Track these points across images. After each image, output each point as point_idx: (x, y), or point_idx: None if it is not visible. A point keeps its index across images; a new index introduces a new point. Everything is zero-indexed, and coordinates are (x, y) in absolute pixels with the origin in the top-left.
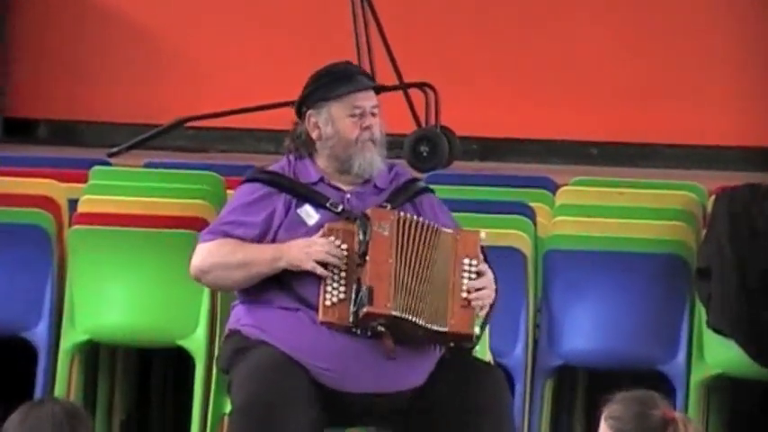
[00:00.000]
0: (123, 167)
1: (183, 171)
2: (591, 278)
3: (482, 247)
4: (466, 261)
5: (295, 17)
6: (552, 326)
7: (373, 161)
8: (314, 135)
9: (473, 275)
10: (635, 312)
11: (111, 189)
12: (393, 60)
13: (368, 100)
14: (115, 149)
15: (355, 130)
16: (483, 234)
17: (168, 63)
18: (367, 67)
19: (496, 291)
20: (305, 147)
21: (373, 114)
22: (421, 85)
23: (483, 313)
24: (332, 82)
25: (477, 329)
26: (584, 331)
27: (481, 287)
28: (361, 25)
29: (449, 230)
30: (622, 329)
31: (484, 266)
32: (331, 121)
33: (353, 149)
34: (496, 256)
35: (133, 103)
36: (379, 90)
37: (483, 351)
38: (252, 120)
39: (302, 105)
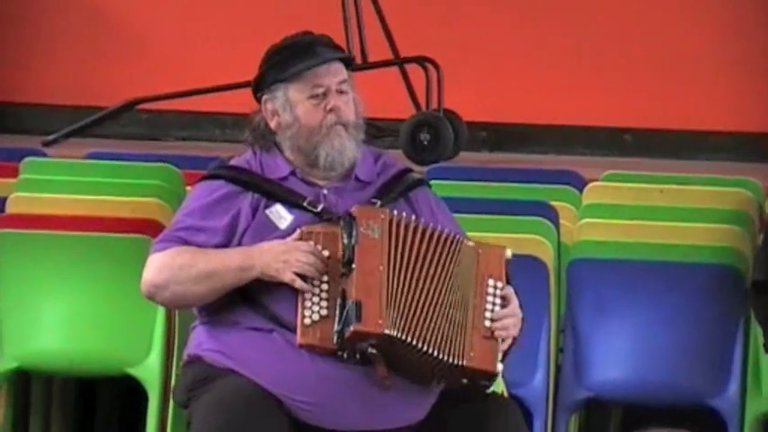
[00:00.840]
0: (61, 159)
1: (134, 163)
2: (625, 293)
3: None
4: (491, 282)
5: None
6: (578, 350)
7: (344, 149)
8: (272, 124)
9: (497, 300)
10: (678, 335)
11: (47, 185)
12: (387, 31)
13: (331, 75)
14: (51, 137)
15: (318, 113)
16: (509, 252)
17: (116, 34)
18: (356, 41)
19: (522, 320)
20: (264, 139)
21: (341, 92)
22: (420, 61)
23: (504, 346)
24: (288, 58)
25: (499, 366)
26: (617, 357)
27: (507, 316)
28: None
29: (470, 242)
30: (663, 355)
31: (509, 290)
32: (289, 105)
33: (318, 137)
34: (512, 267)
35: (74, 82)
36: (351, 63)
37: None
38: (216, 102)
39: (257, 89)
